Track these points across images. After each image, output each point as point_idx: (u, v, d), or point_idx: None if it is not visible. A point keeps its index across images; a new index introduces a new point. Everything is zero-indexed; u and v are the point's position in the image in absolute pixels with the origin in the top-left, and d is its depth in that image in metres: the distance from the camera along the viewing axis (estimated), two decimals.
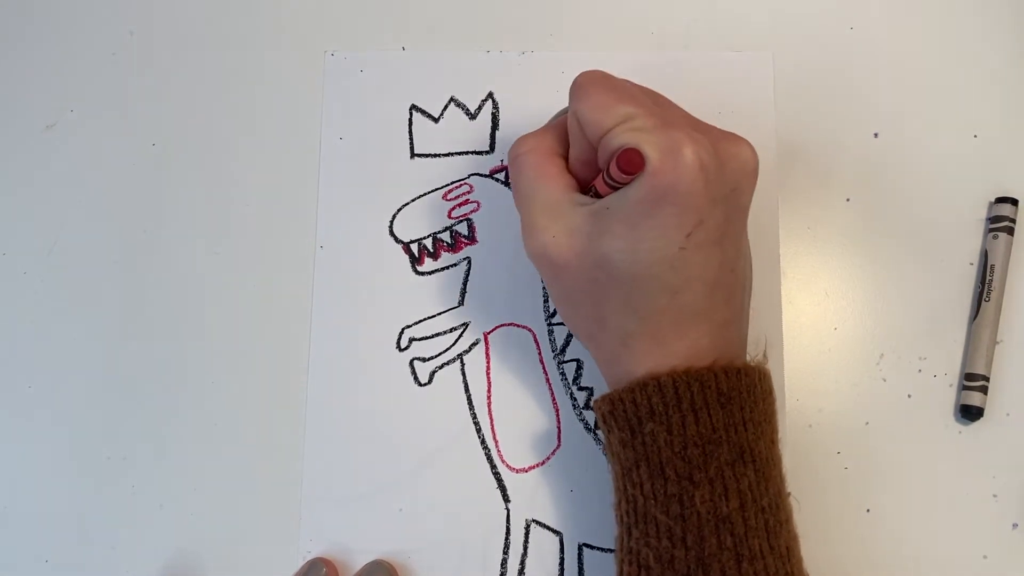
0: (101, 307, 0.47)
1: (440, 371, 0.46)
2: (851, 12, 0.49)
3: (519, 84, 0.48)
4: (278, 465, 0.45)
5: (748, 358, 0.38)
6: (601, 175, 0.36)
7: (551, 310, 0.46)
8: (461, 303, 0.46)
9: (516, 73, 0.49)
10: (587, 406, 0.45)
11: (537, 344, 0.46)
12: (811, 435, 0.44)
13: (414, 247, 0.47)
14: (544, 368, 0.46)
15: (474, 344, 0.46)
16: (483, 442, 0.45)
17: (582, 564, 0.43)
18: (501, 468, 0.45)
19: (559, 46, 0.49)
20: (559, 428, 0.45)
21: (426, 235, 0.47)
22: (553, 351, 0.46)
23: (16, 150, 0.49)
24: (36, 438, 0.46)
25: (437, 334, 0.46)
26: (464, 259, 0.47)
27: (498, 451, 0.45)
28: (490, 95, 0.48)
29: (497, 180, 0.47)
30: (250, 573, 0.44)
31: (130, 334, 0.47)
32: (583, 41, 0.49)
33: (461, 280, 0.46)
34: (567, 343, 0.46)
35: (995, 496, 0.44)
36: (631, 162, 0.33)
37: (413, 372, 0.46)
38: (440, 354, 0.46)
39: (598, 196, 0.37)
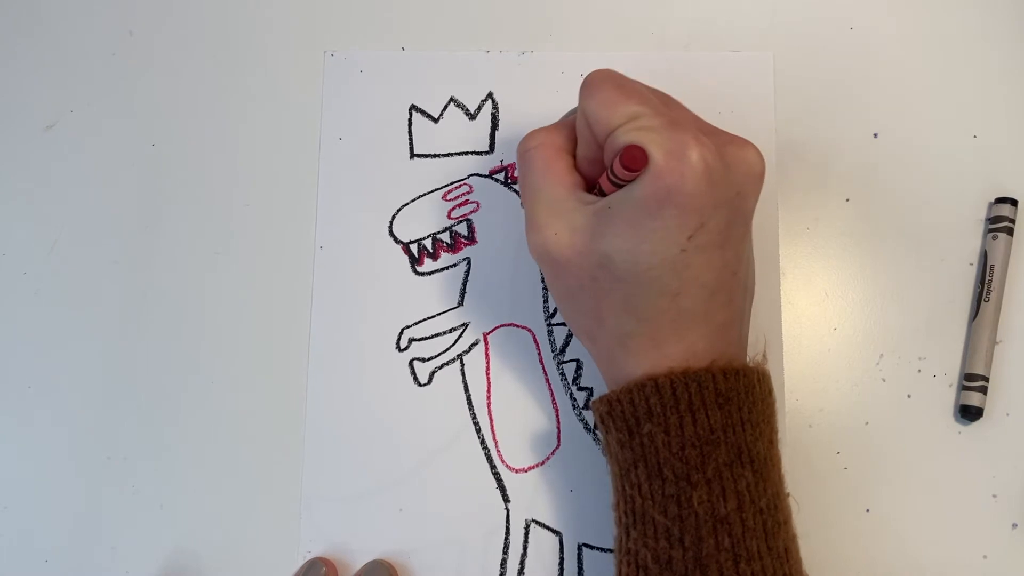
0: (101, 307, 0.47)
1: (440, 371, 0.46)
2: (851, 12, 0.49)
3: (519, 84, 0.48)
4: (278, 465, 0.45)
5: (748, 359, 0.38)
6: (605, 173, 0.36)
7: (551, 310, 0.46)
8: (461, 303, 0.46)
9: (516, 73, 0.49)
10: (587, 406, 0.45)
11: (537, 344, 0.46)
12: (811, 435, 0.44)
13: (414, 247, 0.47)
14: (544, 368, 0.46)
15: (474, 344, 0.46)
16: (483, 442, 0.45)
17: (581, 564, 0.44)
18: (501, 468, 0.45)
19: (559, 46, 0.49)
20: (559, 428, 0.45)
21: (426, 235, 0.47)
22: (553, 351, 0.46)
23: (16, 150, 0.49)
24: (36, 438, 0.46)
25: (437, 334, 0.46)
26: (464, 259, 0.47)
27: (498, 451, 0.45)
28: (490, 95, 0.48)
29: (497, 180, 0.47)
30: (250, 573, 0.44)
31: (130, 334, 0.47)
32: (583, 41, 0.49)
33: (461, 280, 0.46)
34: (567, 343, 0.46)
35: (995, 496, 0.44)
36: (634, 159, 0.33)
37: (413, 372, 0.46)
38: (440, 354, 0.46)
39: (603, 195, 0.37)
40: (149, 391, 0.46)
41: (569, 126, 0.39)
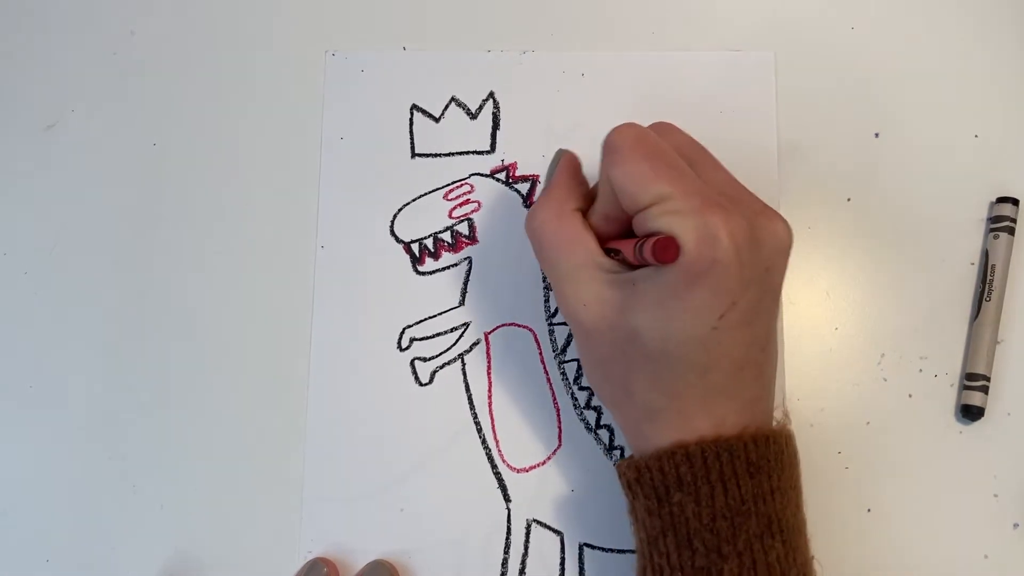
0: (101, 307, 0.47)
1: (441, 371, 0.46)
2: (851, 12, 0.49)
3: (520, 84, 0.48)
4: (279, 465, 0.45)
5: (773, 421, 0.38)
6: (633, 247, 0.35)
7: (552, 310, 0.46)
8: (462, 303, 0.46)
9: (517, 73, 0.49)
10: (588, 406, 0.45)
11: (538, 344, 0.46)
12: (812, 435, 0.44)
13: (415, 247, 0.47)
14: (545, 368, 0.46)
15: (475, 344, 0.46)
16: (484, 442, 0.45)
17: (583, 564, 0.43)
18: (502, 468, 0.45)
19: (560, 46, 0.49)
20: (560, 428, 0.45)
21: (427, 235, 0.47)
22: (554, 351, 0.46)
23: (16, 150, 0.49)
24: (36, 438, 0.46)
25: (438, 334, 0.46)
26: (465, 259, 0.47)
27: (499, 451, 0.45)
28: (491, 95, 0.48)
29: (498, 180, 0.47)
30: (250, 573, 0.44)
31: (130, 334, 0.47)
32: (583, 41, 0.49)
33: (462, 280, 0.46)
34: (568, 343, 0.46)
35: (996, 496, 0.44)
36: (667, 251, 0.33)
37: (414, 372, 0.46)
38: (441, 354, 0.46)
39: (625, 261, 0.36)
40: (149, 391, 0.46)
41: (566, 184, 0.39)
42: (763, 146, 0.47)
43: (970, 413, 0.44)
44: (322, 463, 0.45)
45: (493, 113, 0.48)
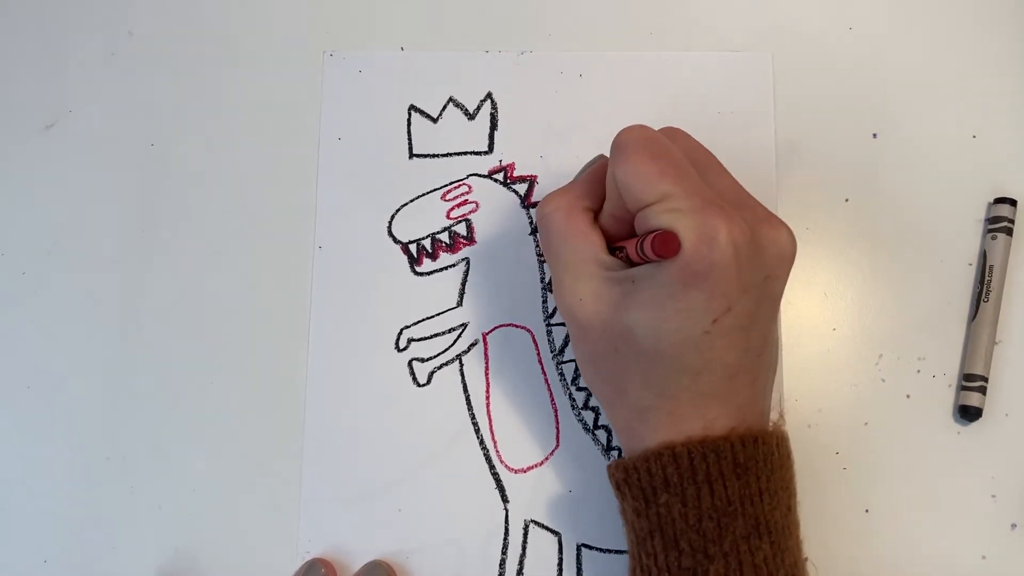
0: (101, 307, 0.47)
1: (439, 372, 0.46)
2: (851, 12, 0.49)
3: (518, 84, 0.48)
4: (277, 465, 0.45)
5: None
6: (635, 244, 0.35)
7: (550, 310, 0.46)
8: (460, 304, 0.46)
9: (515, 73, 0.49)
10: (586, 406, 0.45)
11: (536, 344, 0.46)
12: (810, 435, 0.44)
13: (413, 247, 0.47)
14: (543, 368, 0.46)
15: (473, 345, 0.46)
16: (482, 442, 0.45)
17: (580, 564, 0.44)
18: (500, 468, 0.45)
19: (558, 46, 0.49)
20: (558, 428, 0.45)
21: (425, 235, 0.47)
22: (552, 351, 0.46)
23: (16, 150, 0.49)
24: (36, 438, 0.46)
25: (436, 335, 0.46)
26: (463, 260, 0.47)
27: (497, 451, 0.45)
28: (489, 95, 0.48)
29: (496, 181, 0.47)
30: (248, 573, 0.44)
31: (129, 334, 0.47)
32: (583, 41, 0.49)
33: (460, 281, 0.46)
34: (566, 344, 0.46)
35: (994, 496, 0.44)
36: (666, 246, 0.33)
37: (412, 373, 0.46)
38: (439, 355, 0.46)
39: (628, 259, 0.36)
40: (148, 391, 0.46)
41: (586, 182, 0.39)
42: (761, 147, 0.47)
43: (968, 414, 0.44)
44: (320, 464, 0.45)
45: (491, 114, 0.48)
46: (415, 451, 0.45)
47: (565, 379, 0.45)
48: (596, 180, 0.39)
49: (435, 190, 0.47)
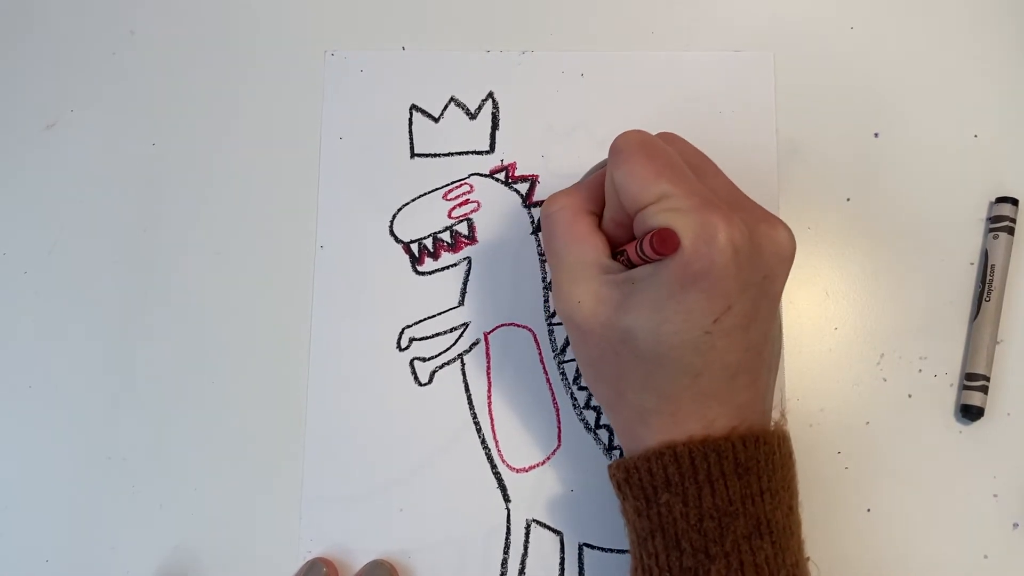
0: (101, 307, 0.47)
1: (440, 371, 0.46)
2: (851, 12, 0.49)
3: (519, 84, 0.48)
4: (278, 465, 0.45)
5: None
6: (635, 245, 0.35)
7: (551, 310, 0.46)
8: (461, 303, 0.46)
9: (516, 73, 0.49)
10: (587, 406, 0.45)
11: (537, 344, 0.46)
12: (812, 435, 0.44)
13: (414, 247, 0.47)
14: (544, 368, 0.46)
15: (474, 344, 0.46)
16: (483, 442, 0.45)
17: (582, 564, 0.43)
18: (501, 468, 0.45)
19: (559, 46, 0.49)
20: (559, 428, 0.45)
21: (426, 235, 0.47)
22: (553, 351, 0.46)
23: (16, 150, 0.49)
24: (36, 438, 0.46)
25: (437, 334, 0.46)
26: (464, 259, 0.47)
27: (498, 451, 0.45)
28: (490, 95, 0.48)
29: (497, 180, 0.47)
30: (250, 573, 0.44)
31: (130, 334, 0.47)
32: (583, 41, 0.49)
33: (461, 280, 0.46)
34: (567, 343, 0.46)
35: (996, 496, 0.44)
36: (665, 243, 0.33)
37: (413, 372, 0.46)
38: (440, 354, 0.46)
39: (629, 262, 0.36)
40: (149, 391, 0.46)
41: (592, 186, 0.39)
42: (762, 146, 0.47)
43: (970, 413, 0.44)
44: (321, 463, 0.45)
45: (492, 113, 0.48)
46: (417, 450, 0.45)
47: (567, 378, 0.45)
48: (601, 184, 0.39)
49: (436, 189, 0.47)
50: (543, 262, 0.46)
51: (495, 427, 0.45)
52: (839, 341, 0.46)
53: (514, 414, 0.45)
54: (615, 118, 0.48)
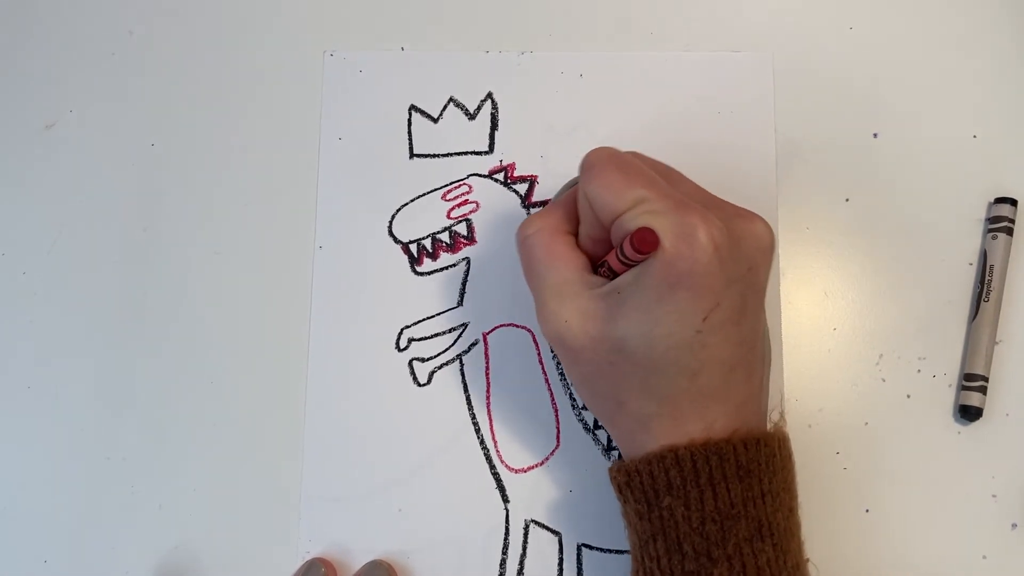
0: (101, 307, 0.47)
1: (439, 371, 0.46)
2: (851, 12, 0.49)
3: (518, 84, 0.48)
4: (277, 465, 0.45)
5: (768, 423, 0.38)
6: (614, 252, 0.35)
7: None
8: (460, 303, 0.46)
9: (515, 73, 0.49)
10: (586, 407, 0.45)
11: (536, 344, 0.46)
12: (810, 435, 0.44)
13: (413, 247, 0.47)
14: (543, 368, 0.46)
15: (473, 344, 0.46)
16: (482, 442, 0.45)
17: (581, 564, 0.44)
18: (500, 468, 0.45)
19: (558, 46, 0.49)
20: (558, 428, 0.45)
21: (425, 235, 0.47)
22: (552, 351, 0.46)
23: (16, 150, 0.49)
24: (36, 438, 0.46)
25: (436, 334, 0.46)
26: (463, 259, 0.47)
27: (497, 451, 0.45)
28: (489, 95, 0.48)
29: (496, 180, 0.47)
30: (249, 573, 0.44)
31: (130, 334, 0.47)
32: (583, 41, 0.49)
33: (460, 280, 0.46)
34: None
35: (994, 496, 0.44)
36: (645, 241, 0.33)
37: (412, 372, 0.46)
38: (439, 354, 0.46)
39: (611, 273, 0.36)
40: (148, 391, 0.46)
41: (566, 205, 0.39)
42: (761, 147, 0.47)
43: (968, 413, 0.44)
44: (320, 463, 0.45)
45: (491, 114, 0.48)
46: (415, 451, 0.45)
47: (566, 378, 0.45)
48: (574, 203, 0.39)
49: (435, 190, 0.47)
50: None
51: (494, 427, 0.45)
52: (838, 341, 0.46)
53: (513, 415, 0.45)
54: (614, 118, 0.48)
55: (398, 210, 0.47)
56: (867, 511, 0.44)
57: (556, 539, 0.44)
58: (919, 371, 0.45)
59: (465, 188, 0.47)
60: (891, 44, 0.49)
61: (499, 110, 0.48)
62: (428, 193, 0.47)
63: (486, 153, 0.48)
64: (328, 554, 0.44)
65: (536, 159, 0.48)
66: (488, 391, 0.45)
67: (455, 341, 0.46)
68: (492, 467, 0.45)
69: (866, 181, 0.47)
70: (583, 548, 0.44)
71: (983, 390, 0.44)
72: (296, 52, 0.49)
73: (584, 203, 0.36)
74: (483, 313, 0.46)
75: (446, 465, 0.45)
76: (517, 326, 0.46)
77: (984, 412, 0.44)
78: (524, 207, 0.47)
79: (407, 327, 0.46)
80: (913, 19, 0.49)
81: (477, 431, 0.45)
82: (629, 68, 0.48)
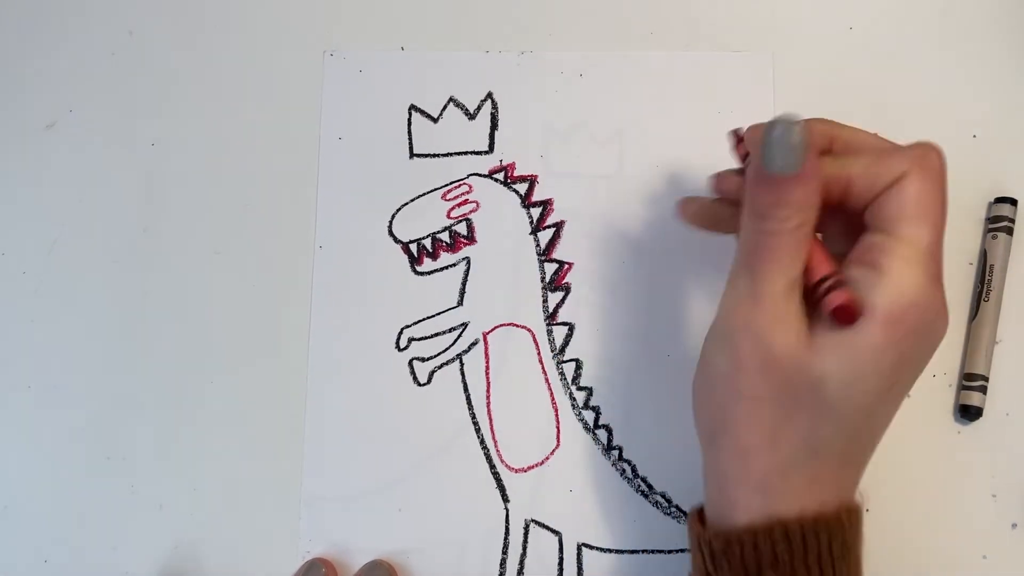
0: (101, 307, 0.47)
1: (439, 371, 0.46)
2: (851, 12, 0.49)
3: (518, 84, 0.48)
4: (277, 465, 0.45)
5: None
6: (817, 280, 0.32)
7: (550, 310, 0.46)
8: (460, 303, 0.46)
9: (515, 73, 0.49)
10: (586, 406, 0.45)
11: (536, 344, 0.46)
12: None
13: (413, 247, 0.47)
14: (543, 368, 0.46)
15: (473, 344, 0.46)
16: (482, 442, 0.45)
17: (581, 564, 0.44)
18: (500, 468, 0.45)
19: (558, 46, 0.49)
20: (558, 428, 0.45)
21: (425, 235, 0.47)
22: (552, 351, 0.46)
23: (16, 150, 0.49)
24: (36, 438, 0.46)
25: (436, 334, 0.46)
26: (463, 259, 0.47)
27: (497, 451, 0.45)
28: (489, 95, 0.48)
29: (496, 180, 0.47)
30: (249, 573, 0.44)
31: (130, 334, 0.47)
32: (583, 41, 0.49)
33: (460, 280, 0.46)
34: (566, 343, 0.46)
35: (994, 496, 0.44)
36: (847, 315, 0.31)
37: (412, 372, 0.46)
38: (439, 354, 0.46)
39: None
40: (149, 391, 0.46)
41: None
42: None
43: (968, 413, 0.44)
44: (321, 463, 0.45)
45: (491, 113, 0.48)
46: (416, 450, 0.45)
47: (566, 378, 0.45)
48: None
49: (435, 190, 0.47)
50: (542, 262, 0.46)
51: (494, 427, 0.45)
52: None
53: (513, 414, 0.45)
54: (614, 118, 0.48)
55: (398, 210, 0.47)
56: (867, 510, 0.44)
57: (556, 539, 0.44)
58: None
59: (465, 188, 0.47)
60: (892, 44, 0.49)
61: (499, 110, 0.48)
62: (428, 193, 0.47)
63: (486, 153, 0.48)
64: (328, 554, 0.44)
65: (536, 159, 0.48)
66: (488, 391, 0.45)
67: (455, 341, 0.46)
68: (492, 467, 0.45)
69: None
70: (583, 548, 0.44)
71: (983, 390, 0.44)
72: (296, 52, 0.49)
73: (858, 168, 0.34)
74: (483, 313, 0.46)
75: (446, 465, 0.45)
76: (517, 326, 0.46)
77: (984, 412, 0.44)
78: (524, 207, 0.47)
79: (407, 327, 0.46)
80: (913, 19, 0.49)
81: (477, 431, 0.45)
82: (629, 68, 0.48)
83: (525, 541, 0.44)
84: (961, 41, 0.48)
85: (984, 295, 0.45)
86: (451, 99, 0.48)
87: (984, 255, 0.46)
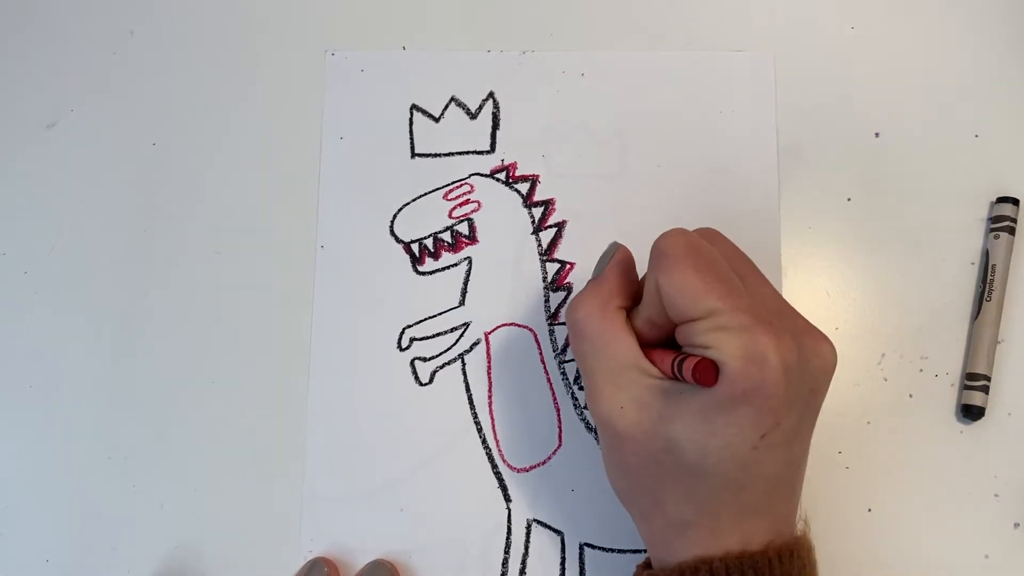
0: (101, 307, 0.47)
1: (441, 371, 0.46)
2: (851, 12, 0.49)
3: (520, 84, 0.48)
4: (279, 465, 0.45)
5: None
6: (671, 362, 0.34)
7: (552, 310, 0.46)
8: (462, 303, 0.46)
9: (517, 73, 0.49)
10: (588, 406, 0.45)
11: (538, 344, 0.46)
12: (813, 435, 0.44)
13: (415, 247, 0.47)
14: (545, 368, 0.46)
15: (475, 344, 0.46)
16: (484, 442, 0.45)
17: (583, 564, 0.43)
18: (502, 468, 0.45)
19: (559, 46, 0.49)
20: (560, 428, 0.45)
21: (427, 235, 0.47)
22: (554, 351, 0.46)
23: (17, 149, 0.49)
24: (36, 438, 0.46)
25: (438, 334, 0.46)
26: (465, 259, 0.47)
27: (499, 451, 0.45)
28: (491, 95, 0.48)
29: (498, 180, 0.47)
30: (251, 573, 0.44)
31: (130, 334, 0.47)
32: (583, 41, 0.49)
33: (462, 280, 0.46)
34: (567, 343, 0.46)
35: (996, 496, 0.44)
36: (707, 375, 0.32)
37: (414, 372, 0.46)
38: (441, 354, 0.46)
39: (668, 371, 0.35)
40: (149, 390, 0.46)
41: (615, 279, 0.37)
42: (763, 146, 0.47)
43: (971, 413, 0.44)
44: (322, 463, 0.45)
45: (493, 113, 0.48)
46: (417, 450, 0.45)
47: (567, 378, 0.45)
48: (624, 274, 0.38)
49: (437, 189, 0.47)
50: (544, 262, 0.46)
51: (496, 427, 0.45)
52: (840, 341, 0.45)
53: (515, 414, 0.45)
54: (615, 118, 0.48)
55: (400, 209, 0.47)
56: (869, 510, 0.44)
57: (558, 538, 0.44)
58: (921, 370, 0.45)
59: (467, 187, 0.47)
60: (892, 44, 0.49)
61: (500, 109, 0.48)
62: (430, 192, 0.47)
63: (487, 152, 0.48)
64: (330, 554, 0.44)
65: (538, 158, 0.48)
66: (490, 390, 0.45)
67: (457, 340, 0.46)
68: (494, 466, 0.45)
69: (868, 181, 0.47)
70: (585, 547, 0.44)
71: (985, 389, 0.44)
72: (297, 52, 0.49)
73: (653, 291, 0.35)
74: (485, 312, 0.46)
75: (448, 464, 0.45)
76: (519, 325, 0.46)
77: (986, 411, 0.44)
78: (526, 207, 0.47)
79: (409, 326, 0.46)
80: (914, 19, 0.49)
81: (479, 430, 0.45)
82: (630, 68, 0.48)
83: (527, 541, 0.44)
84: (961, 41, 0.48)
85: (986, 295, 0.45)
86: (452, 99, 0.48)
87: (986, 255, 0.46)
